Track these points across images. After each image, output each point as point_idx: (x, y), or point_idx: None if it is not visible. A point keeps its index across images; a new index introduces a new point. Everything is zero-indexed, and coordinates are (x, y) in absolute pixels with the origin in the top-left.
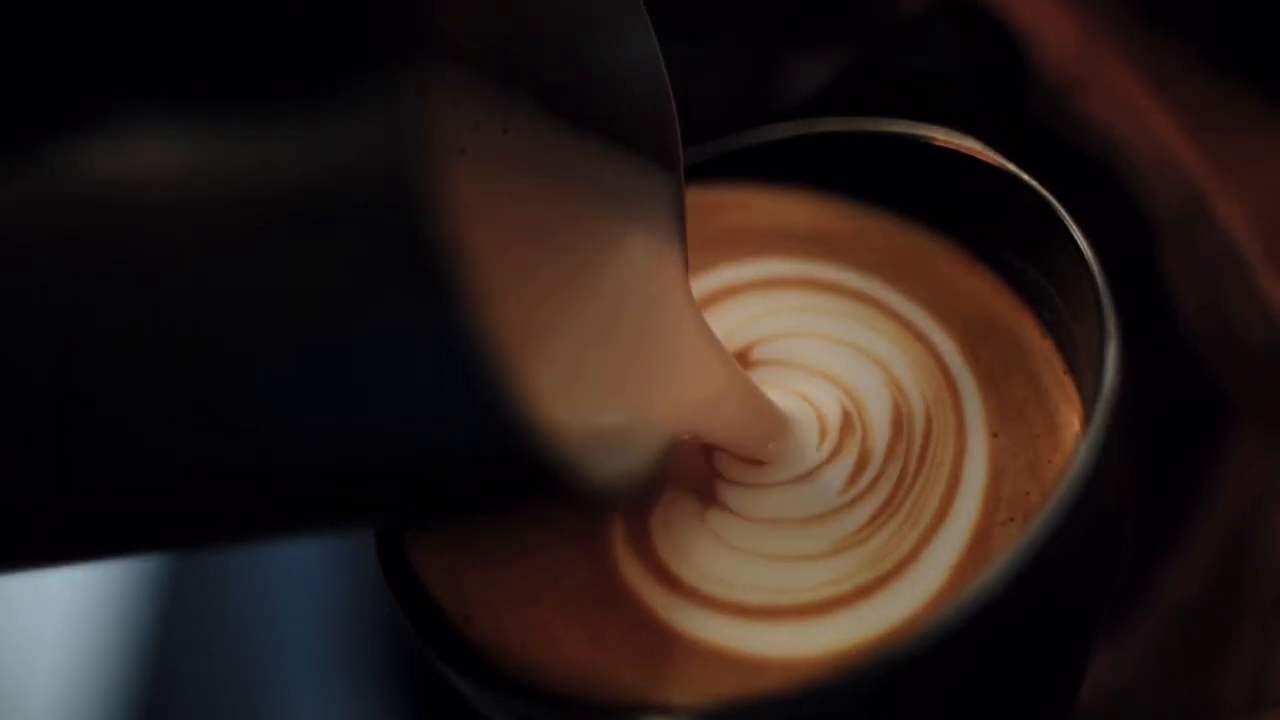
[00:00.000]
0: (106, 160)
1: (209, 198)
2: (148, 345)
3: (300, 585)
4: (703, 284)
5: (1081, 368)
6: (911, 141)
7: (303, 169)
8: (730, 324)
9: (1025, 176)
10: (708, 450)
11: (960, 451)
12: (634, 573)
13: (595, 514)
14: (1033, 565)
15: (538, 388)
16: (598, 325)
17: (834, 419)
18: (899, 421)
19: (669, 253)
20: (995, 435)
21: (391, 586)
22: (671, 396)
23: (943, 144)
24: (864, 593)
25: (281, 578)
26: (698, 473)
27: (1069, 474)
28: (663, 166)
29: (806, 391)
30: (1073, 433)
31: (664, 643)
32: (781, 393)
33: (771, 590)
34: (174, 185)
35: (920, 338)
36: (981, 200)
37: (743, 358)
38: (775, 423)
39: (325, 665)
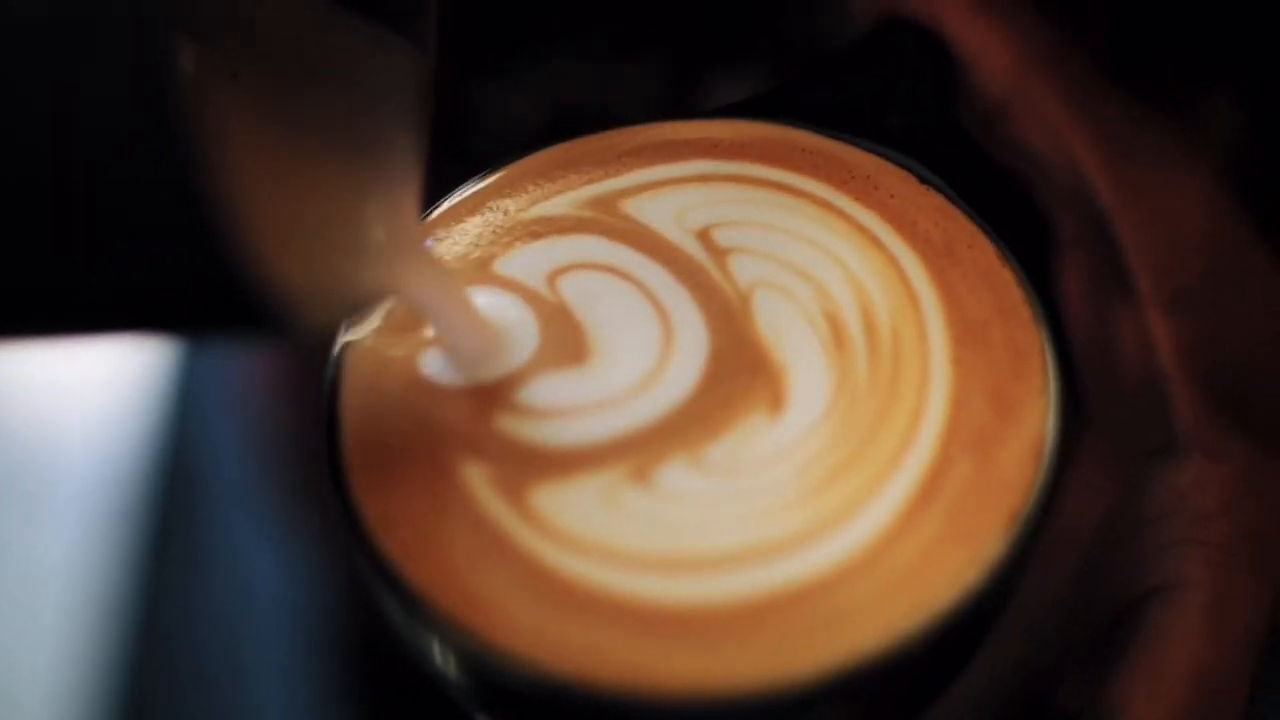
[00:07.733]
0: None
1: None
2: None
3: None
4: (629, 179)
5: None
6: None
7: None
8: (672, 209)
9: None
10: None
11: (925, 376)
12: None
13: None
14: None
15: (262, 238)
16: (321, 199)
17: (826, 330)
18: (872, 336)
19: (403, 153)
20: (957, 361)
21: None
22: (381, 275)
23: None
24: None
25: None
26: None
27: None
28: (412, 69)
29: (787, 286)
30: (1034, 362)
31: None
32: (775, 293)
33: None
34: None
35: (877, 244)
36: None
37: (705, 238)
38: (489, 336)
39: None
